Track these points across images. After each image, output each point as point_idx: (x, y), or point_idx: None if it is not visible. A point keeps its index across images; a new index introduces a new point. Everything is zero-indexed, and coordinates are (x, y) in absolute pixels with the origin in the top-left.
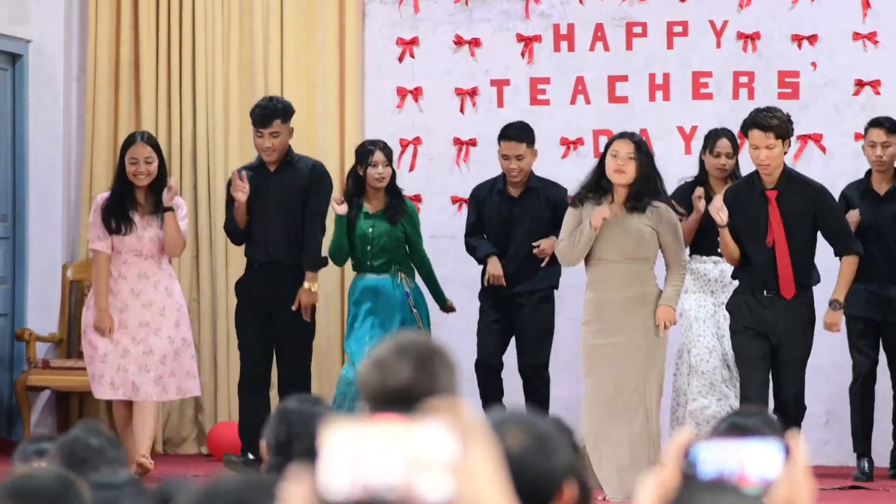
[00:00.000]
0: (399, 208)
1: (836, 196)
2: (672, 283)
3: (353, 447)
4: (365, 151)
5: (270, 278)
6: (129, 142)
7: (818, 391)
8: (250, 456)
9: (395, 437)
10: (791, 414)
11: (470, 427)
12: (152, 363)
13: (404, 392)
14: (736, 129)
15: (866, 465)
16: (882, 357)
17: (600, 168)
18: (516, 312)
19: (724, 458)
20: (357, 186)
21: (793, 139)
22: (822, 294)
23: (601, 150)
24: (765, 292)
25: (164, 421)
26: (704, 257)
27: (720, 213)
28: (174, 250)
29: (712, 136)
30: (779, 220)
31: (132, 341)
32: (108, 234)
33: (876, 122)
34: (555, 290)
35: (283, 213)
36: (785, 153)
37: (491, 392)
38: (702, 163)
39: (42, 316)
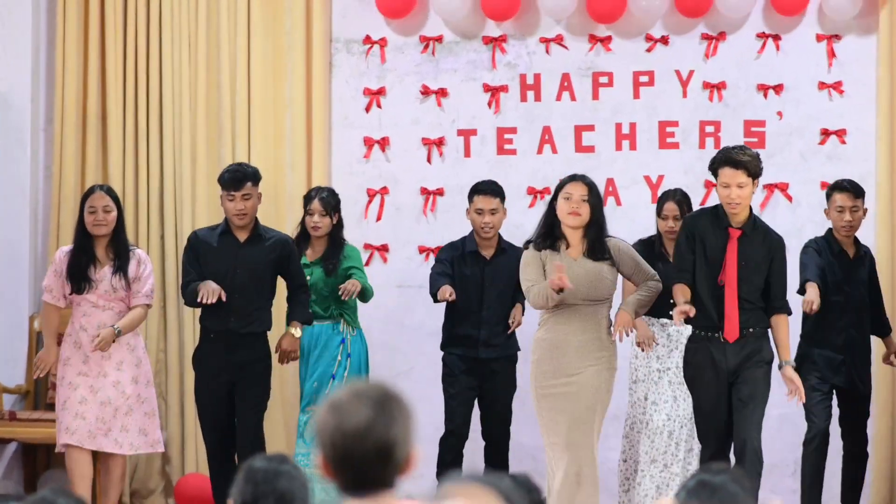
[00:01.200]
0: (335, 258)
1: (803, 244)
2: (639, 292)
3: None
4: (307, 198)
5: (227, 348)
6: (88, 193)
7: (786, 440)
8: None
9: None
10: (749, 463)
11: None
12: (106, 415)
13: (361, 435)
14: (703, 179)
15: None
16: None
17: (551, 213)
18: (489, 379)
19: None
20: (304, 233)
21: (759, 181)
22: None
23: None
24: (717, 334)
25: (130, 473)
26: (653, 319)
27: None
28: (141, 323)
29: (661, 199)
30: (734, 260)
31: (90, 390)
32: (65, 294)
33: (839, 187)
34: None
35: (251, 286)
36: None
37: (452, 459)
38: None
39: (8, 367)
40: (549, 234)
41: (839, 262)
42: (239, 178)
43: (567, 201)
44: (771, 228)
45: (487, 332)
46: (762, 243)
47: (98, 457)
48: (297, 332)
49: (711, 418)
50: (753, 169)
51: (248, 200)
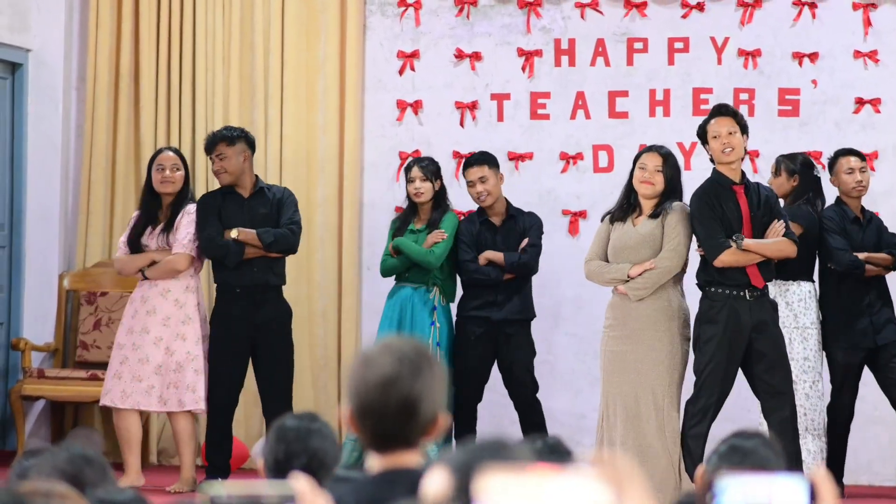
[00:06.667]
0: (438, 225)
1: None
2: (654, 261)
3: (507, 499)
4: (406, 168)
5: (254, 303)
6: (156, 154)
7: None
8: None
9: (551, 490)
10: (790, 422)
11: (626, 478)
12: (146, 372)
13: (385, 386)
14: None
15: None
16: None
17: (629, 184)
18: (502, 343)
19: (750, 494)
20: (411, 203)
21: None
22: None
23: (601, 164)
24: (743, 292)
25: (158, 432)
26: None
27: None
28: (176, 271)
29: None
30: (748, 213)
31: (132, 348)
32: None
33: (845, 152)
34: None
35: None
36: (744, 150)
37: (465, 421)
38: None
39: (38, 325)
40: (627, 203)
41: (855, 228)
42: (209, 142)
43: (642, 171)
44: (759, 183)
45: (503, 296)
46: (758, 196)
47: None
48: (234, 232)
49: (724, 378)
50: (741, 119)
51: (224, 161)
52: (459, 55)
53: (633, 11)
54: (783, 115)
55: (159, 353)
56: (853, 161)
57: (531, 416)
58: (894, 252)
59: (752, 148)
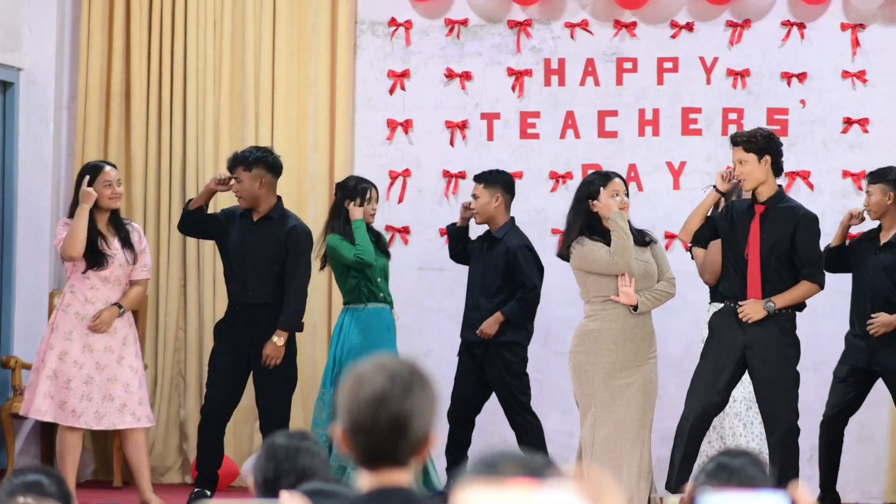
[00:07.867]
0: (382, 244)
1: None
2: (653, 289)
3: None
4: (362, 188)
5: (252, 321)
6: (97, 170)
7: (803, 426)
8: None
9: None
10: (782, 444)
11: (604, 492)
12: (116, 391)
13: (376, 403)
14: (725, 166)
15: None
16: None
17: (586, 212)
18: (489, 363)
19: None
20: (346, 220)
21: (782, 161)
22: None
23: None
24: (742, 304)
25: (148, 450)
26: None
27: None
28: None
29: None
30: (757, 233)
31: (96, 367)
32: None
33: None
34: (526, 346)
35: (262, 262)
36: (766, 171)
37: (457, 442)
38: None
39: (28, 343)
40: (593, 232)
41: (866, 246)
42: (229, 164)
43: (617, 198)
44: (799, 205)
45: (480, 315)
46: (786, 219)
47: (118, 435)
48: (279, 341)
49: (706, 387)
50: (748, 144)
51: (240, 184)
52: (450, 75)
53: (622, 31)
54: None
55: (124, 371)
56: (862, 183)
57: (520, 435)
58: None
59: None
